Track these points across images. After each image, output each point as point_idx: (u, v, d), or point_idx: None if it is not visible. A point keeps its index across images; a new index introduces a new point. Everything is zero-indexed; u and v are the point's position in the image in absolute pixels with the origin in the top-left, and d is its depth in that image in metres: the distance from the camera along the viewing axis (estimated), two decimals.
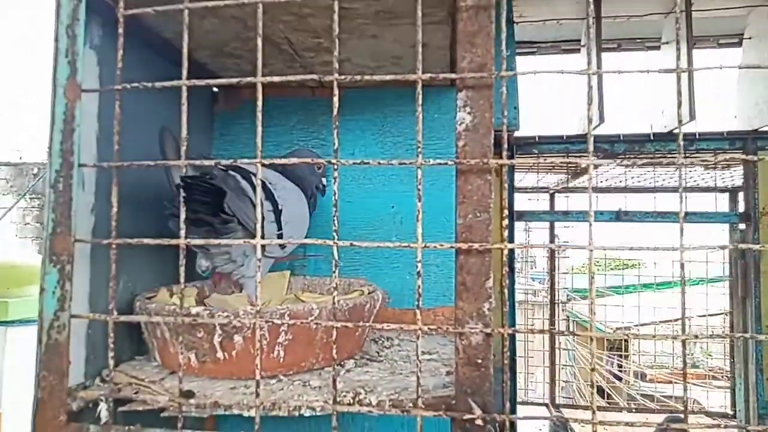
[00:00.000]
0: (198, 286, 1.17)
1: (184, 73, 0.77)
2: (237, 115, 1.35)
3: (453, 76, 0.76)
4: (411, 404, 0.80)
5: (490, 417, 0.73)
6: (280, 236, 1.05)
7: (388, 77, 0.69)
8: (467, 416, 0.72)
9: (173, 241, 0.77)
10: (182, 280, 0.77)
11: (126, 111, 0.90)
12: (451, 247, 0.74)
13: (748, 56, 2.22)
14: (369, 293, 1.04)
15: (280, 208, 1.08)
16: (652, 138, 2.13)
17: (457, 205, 0.78)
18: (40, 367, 0.77)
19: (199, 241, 0.78)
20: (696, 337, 0.73)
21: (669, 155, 2.14)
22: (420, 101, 0.72)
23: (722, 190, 2.70)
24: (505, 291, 1.77)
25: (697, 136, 2.12)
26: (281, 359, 0.89)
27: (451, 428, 0.77)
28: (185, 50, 0.76)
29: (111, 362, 0.78)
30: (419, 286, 0.74)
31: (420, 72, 0.73)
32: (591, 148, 0.72)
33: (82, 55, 0.82)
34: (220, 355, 0.88)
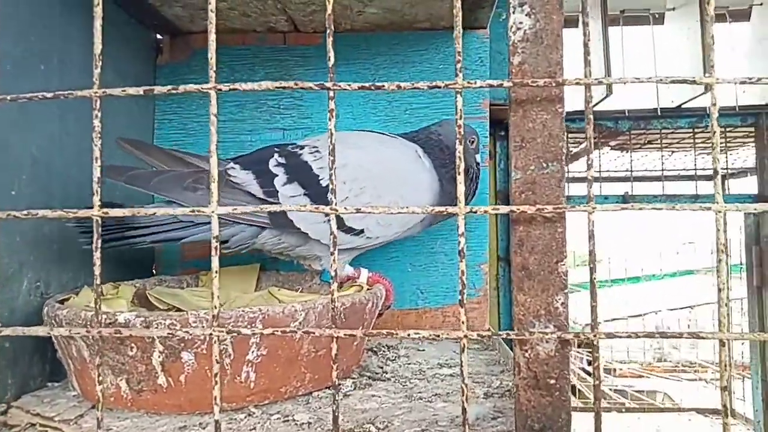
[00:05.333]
0: (138, 285, 0.89)
1: None
2: (187, 68, 1.07)
3: None
4: None
5: None
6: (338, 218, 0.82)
7: None
8: None
9: (82, 212, 0.51)
10: (97, 272, 0.50)
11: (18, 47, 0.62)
12: (511, 211, 0.49)
13: (758, 26, 2.05)
14: (368, 288, 0.79)
15: (325, 184, 0.82)
16: (659, 114, 1.93)
17: (511, 153, 0.53)
18: None
19: (118, 212, 0.51)
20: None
21: (677, 131, 1.95)
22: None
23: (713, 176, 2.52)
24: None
25: (708, 112, 1.93)
26: (251, 384, 0.63)
27: None
28: None
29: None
30: (463, 272, 0.49)
31: None
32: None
33: None
34: (162, 380, 0.61)
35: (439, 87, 0.49)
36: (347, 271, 0.90)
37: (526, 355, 0.51)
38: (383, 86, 0.51)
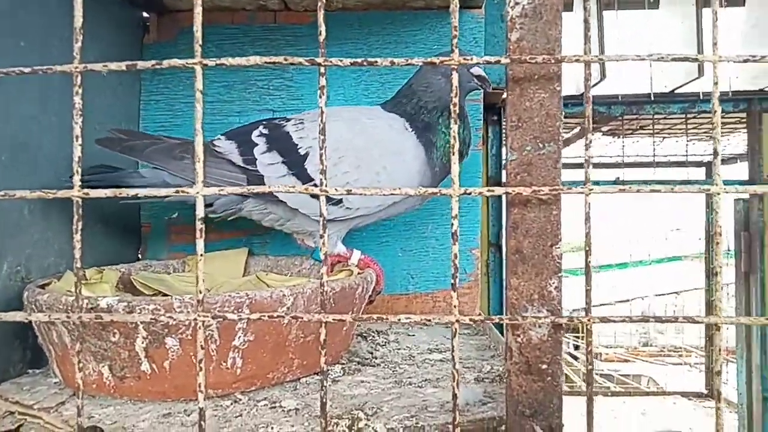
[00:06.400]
0: (123, 270, 0.87)
1: None
2: (174, 47, 1.04)
3: None
4: None
5: None
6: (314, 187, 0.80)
7: None
8: None
9: (62, 193, 0.49)
10: (77, 255, 0.48)
11: None
12: (506, 192, 0.48)
13: (753, 10, 2.04)
14: (359, 272, 0.77)
15: (303, 152, 0.83)
16: (652, 98, 1.92)
17: (507, 132, 0.51)
18: None
19: (98, 193, 0.49)
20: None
21: (669, 117, 1.94)
22: None
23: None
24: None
25: (701, 97, 1.93)
26: (238, 370, 0.62)
27: None
28: None
29: None
30: (456, 256, 0.48)
31: None
32: None
33: None
34: (145, 367, 0.60)
35: (435, 63, 0.47)
36: (339, 249, 0.89)
37: (519, 339, 0.50)
38: (376, 62, 0.49)
